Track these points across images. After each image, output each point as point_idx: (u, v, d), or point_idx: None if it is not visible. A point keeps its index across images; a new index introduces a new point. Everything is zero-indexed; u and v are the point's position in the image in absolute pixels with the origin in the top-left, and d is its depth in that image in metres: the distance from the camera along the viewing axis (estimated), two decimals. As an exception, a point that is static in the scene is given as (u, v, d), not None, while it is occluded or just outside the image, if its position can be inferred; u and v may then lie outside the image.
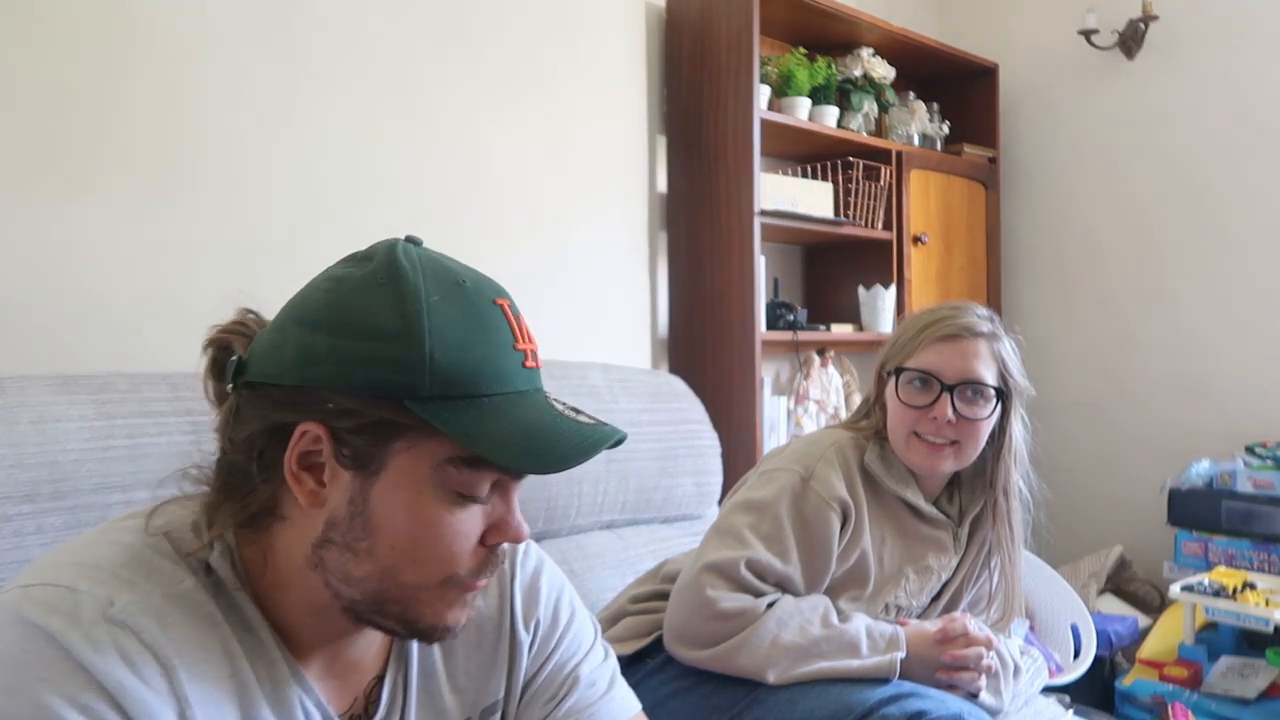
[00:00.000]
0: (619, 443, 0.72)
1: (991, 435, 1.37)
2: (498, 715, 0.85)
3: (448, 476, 0.68)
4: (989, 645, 1.29)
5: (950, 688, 1.25)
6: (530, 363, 0.72)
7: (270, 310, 0.75)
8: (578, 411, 0.74)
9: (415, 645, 0.81)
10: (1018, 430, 1.38)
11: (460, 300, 0.69)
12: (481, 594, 0.84)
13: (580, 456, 0.69)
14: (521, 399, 0.70)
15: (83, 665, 0.60)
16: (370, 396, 0.66)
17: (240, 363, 0.71)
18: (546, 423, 0.70)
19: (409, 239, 0.73)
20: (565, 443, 0.69)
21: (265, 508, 0.71)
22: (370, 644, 0.78)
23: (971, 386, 1.32)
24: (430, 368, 0.66)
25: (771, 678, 1.21)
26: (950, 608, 1.44)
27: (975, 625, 1.31)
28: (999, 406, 1.35)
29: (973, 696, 1.26)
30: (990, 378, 1.33)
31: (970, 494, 1.42)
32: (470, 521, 0.70)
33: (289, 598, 0.72)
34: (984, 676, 1.28)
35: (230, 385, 0.71)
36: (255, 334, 0.73)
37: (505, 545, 0.74)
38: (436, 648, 0.82)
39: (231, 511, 0.70)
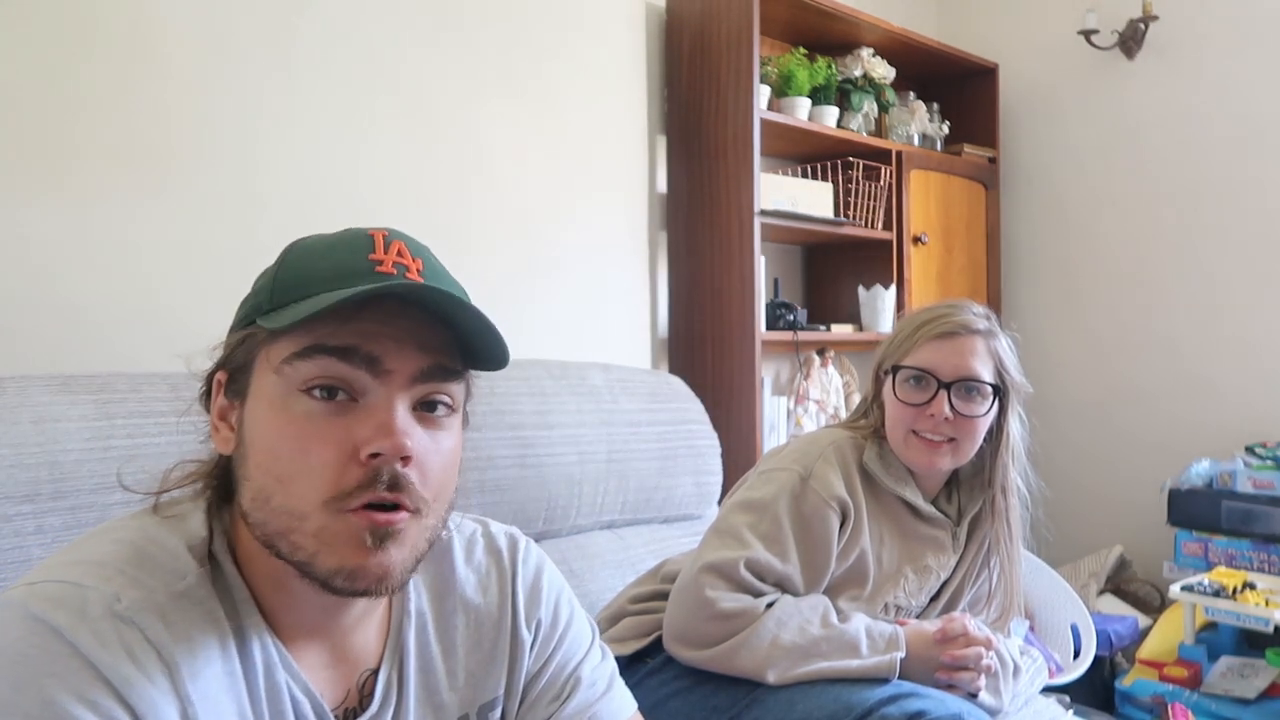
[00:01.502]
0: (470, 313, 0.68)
1: (989, 433, 1.37)
2: (497, 711, 0.85)
3: (289, 376, 0.67)
4: (988, 645, 1.29)
5: (950, 688, 1.25)
6: (386, 269, 0.69)
7: None
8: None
9: (412, 642, 0.80)
10: (1015, 428, 1.38)
11: (331, 238, 0.73)
12: (481, 590, 0.85)
13: (352, 287, 0.65)
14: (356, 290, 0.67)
15: (90, 661, 0.61)
16: (239, 329, 0.72)
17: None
18: (362, 286, 0.67)
19: None
20: (357, 286, 0.66)
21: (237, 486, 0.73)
22: (365, 636, 0.78)
23: (968, 384, 1.32)
24: (274, 284, 0.71)
25: (771, 678, 1.21)
26: (949, 607, 1.44)
27: (975, 625, 1.31)
28: (996, 404, 1.35)
29: (972, 696, 1.26)
30: (987, 375, 1.33)
31: (969, 493, 1.43)
32: (326, 424, 0.66)
33: (258, 570, 0.72)
34: (983, 676, 1.28)
35: None
36: None
37: (399, 467, 0.67)
38: (436, 644, 0.81)
39: (221, 500, 0.73)
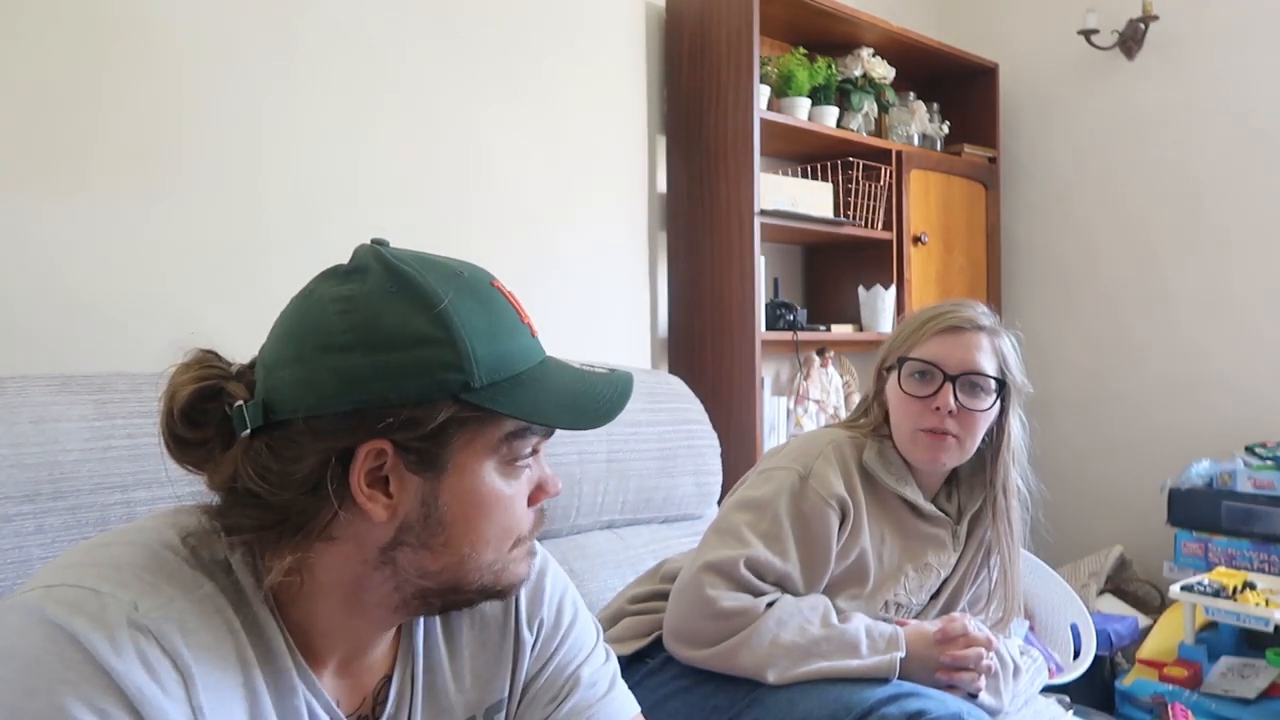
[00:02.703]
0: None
1: (990, 433, 1.37)
2: (502, 714, 0.85)
3: (503, 453, 0.72)
4: (989, 646, 1.29)
5: (950, 688, 1.26)
6: (535, 332, 0.76)
7: (277, 309, 0.73)
8: (585, 365, 0.80)
9: (421, 645, 0.81)
10: (1016, 428, 1.38)
11: (468, 291, 0.71)
12: None
13: (619, 405, 0.75)
14: (545, 367, 0.75)
15: (104, 669, 0.60)
16: (428, 400, 0.68)
17: (261, 405, 0.68)
18: (578, 381, 0.76)
19: (376, 241, 0.73)
20: (601, 397, 0.75)
21: (319, 535, 0.69)
22: (381, 645, 0.79)
23: (972, 377, 1.32)
24: (475, 359, 0.69)
25: (771, 677, 1.21)
26: (949, 606, 1.44)
27: (975, 625, 1.31)
28: (999, 401, 1.35)
29: (972, 697, 1.26)
30: (991, 370, 1.34)
31: (969, 492, 1.43)
32: (522, 487, 0.75)
33: (321, 606, 0.72)
34: (984, 677, 1.28)
35: (249, 430, 0.68)
36: (243, 374, 0.72)
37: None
38: (443, 647, 0.83)
39: (294, 547, 0.68)
